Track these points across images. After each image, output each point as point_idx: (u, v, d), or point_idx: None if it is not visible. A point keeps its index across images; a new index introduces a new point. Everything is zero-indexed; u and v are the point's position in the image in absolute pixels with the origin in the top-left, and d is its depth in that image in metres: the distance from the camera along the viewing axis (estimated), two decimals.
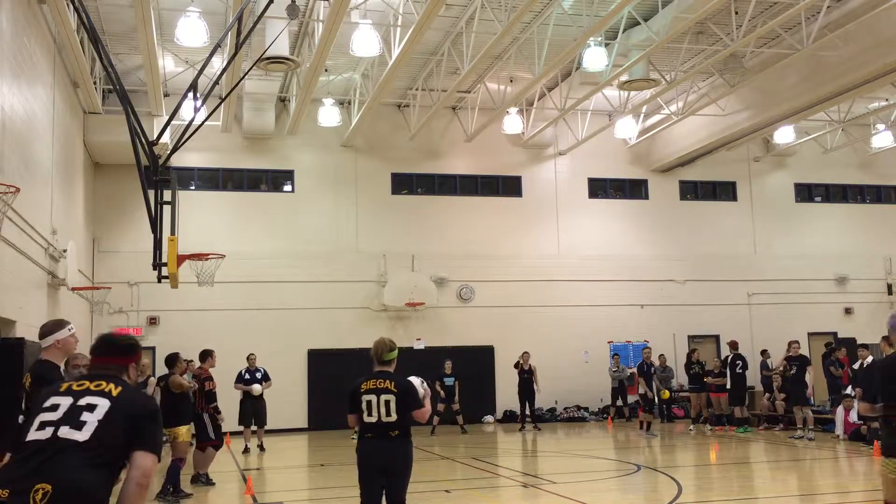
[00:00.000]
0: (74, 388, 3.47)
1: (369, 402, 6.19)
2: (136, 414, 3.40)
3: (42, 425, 3.34)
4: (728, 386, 18.54)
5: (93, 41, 11.83)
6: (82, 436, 3.27)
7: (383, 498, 6.26)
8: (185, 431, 10.91)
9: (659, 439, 17.54)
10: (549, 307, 23.20)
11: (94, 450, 3.25)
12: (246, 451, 16.47)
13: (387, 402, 6.15)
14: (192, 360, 16.49)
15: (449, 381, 19.91)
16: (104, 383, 3.47)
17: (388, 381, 6.24)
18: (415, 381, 6.42)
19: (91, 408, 3.35)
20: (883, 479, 5.73)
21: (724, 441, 17.07)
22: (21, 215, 11.86)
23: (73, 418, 3.32)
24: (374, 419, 6.18)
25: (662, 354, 22.43)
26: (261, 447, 16.57)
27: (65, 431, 3.28)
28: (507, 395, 22.40)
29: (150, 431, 3.41)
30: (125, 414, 3.38)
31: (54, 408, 3.39)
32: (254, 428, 16.63)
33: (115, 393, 3.43)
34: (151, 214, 11.49)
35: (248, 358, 17.05)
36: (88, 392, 3.42)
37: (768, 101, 20.25)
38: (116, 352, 3.68)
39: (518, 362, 20.62)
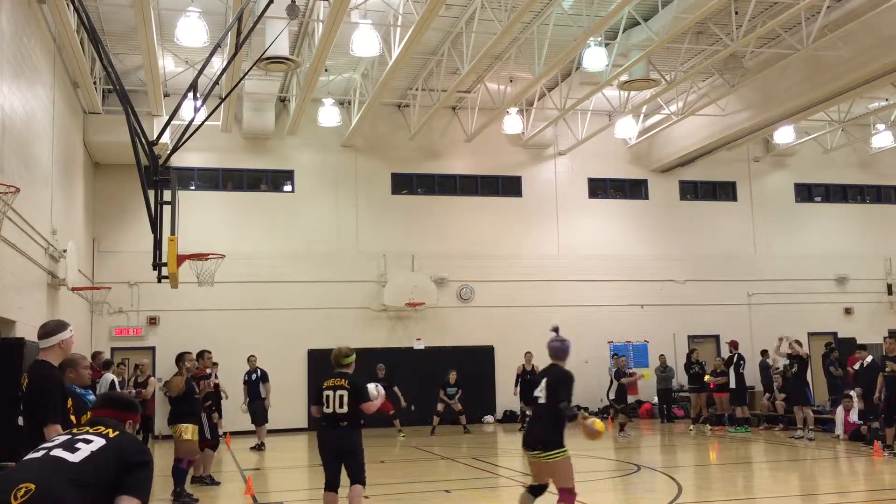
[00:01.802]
0: (74, 431, 3.62)
1: (328, 397, 7.69)
2: (128, 459, 3.45)
3: (37, 450, 3.47)
4: (732, 385, 18.55)
5: (93, 41, 11.82)
6: (74, 457, 3.34)
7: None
8: (189, 430, 10.89)
9: (632, 439, 17.51)
10: (549, 307, 23.15)
11: (83, 473, 3.29)
12: (255, 448, 16.70)
13: (340, 397, 7.63)
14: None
15: (451, 390, 19.88)
16: (102, 428, 3.58)
17: (343, 381, 7.74)
18: (370, 387, 7.86)
19: (87, 441, 3.45)
20: (531, 466, 7.08)
21: (724, 441, 17.08)
22: (21, 215, 11.86)
23: (68, 445, 3.42)
24: (330, 410, 7.66)
25: (662, 354, 22.47)
26: (262, 445, 16.69)
27: (57, 452, 3.37)
28: (507, 395, 22.38)
29: (139, 478, 3.44)
30: (119, 456, 3.43)
31: (52, 440, 3.54)
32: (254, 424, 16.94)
33: (112, 435, 3.53)
34: (151, 214, 11.48)
35: (248, 359, 17.23)
36: (87, 433, 3.54)
37: (768, 101, 20.25)
38: (116, 406, 3.85)
39: (521, 365, 20.55)
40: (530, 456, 6.93)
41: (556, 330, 7.26)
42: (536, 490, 7.02)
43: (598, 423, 6.85)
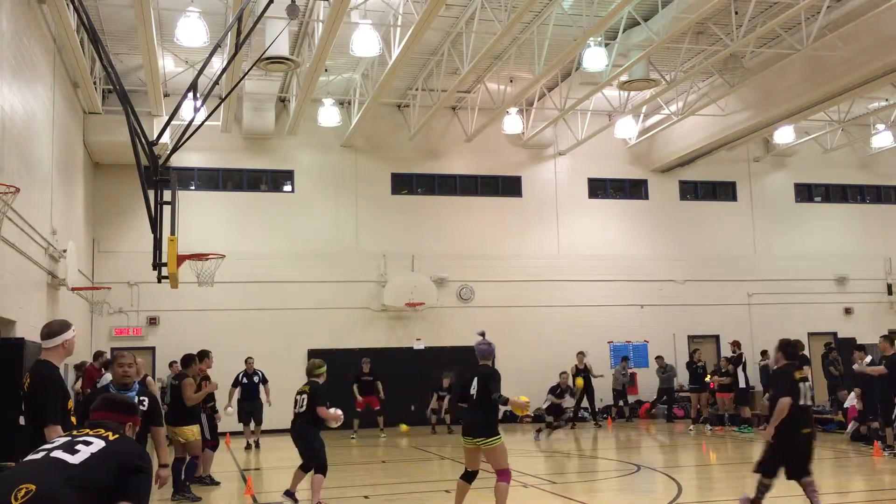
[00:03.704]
0: (74, 433, 3.64)
1: (296, 399, 9.73)
2: (127, 463, 3.47)
3: (37, 451, 3.50)
4: (742, 385, 18.54)
5: (93, 41, 11.82)
6: (73, 459, 3.36)
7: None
8: (194, 431, 10.91)
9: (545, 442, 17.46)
10: (549, 307, 23.19)
11: (82, 475, 3.31)
12: (248, 447, 16.84)
13: (303, 399, 9.59)
14: (175, 362, 16.68)
15: (444, 394, 19.96)
16: (102, 431, 3.61)
17: (307, 386, 9.68)
18: (331, 411, 9.57)
19: (87, 443, 3.48)
20: (464, 452, 8.29)
21: (723, 441, 17.08)
22: (21, 215, 11.85)
23: (68, 447, 3.45)
24: (296, 410, 9.68)
25: (660, 356, 22.45)
26: (257, 444, 16.80)
27: (57, 453, 3.40)
28: (506, 395, 22.34)
29: (137, 483, 3.46)
30: (117, 459, 3.45)
31: (51, 442, 3.57)
32: (252, 426, 17.02)
33: (111, 438, 3.55)
34: (151, 214, 11.47)
35: (246, 361, 17.30)
36: (87, 435, 3.56)
37: (768, 101, 20.24)
38: (116, 408, 3.87)
39: (574, 366, 20.52)
40: (470, 443, 8.10)
41: (482, 334, 8.59)
42: (470, 476, 8.19)
43: (522, 398, 8.18)
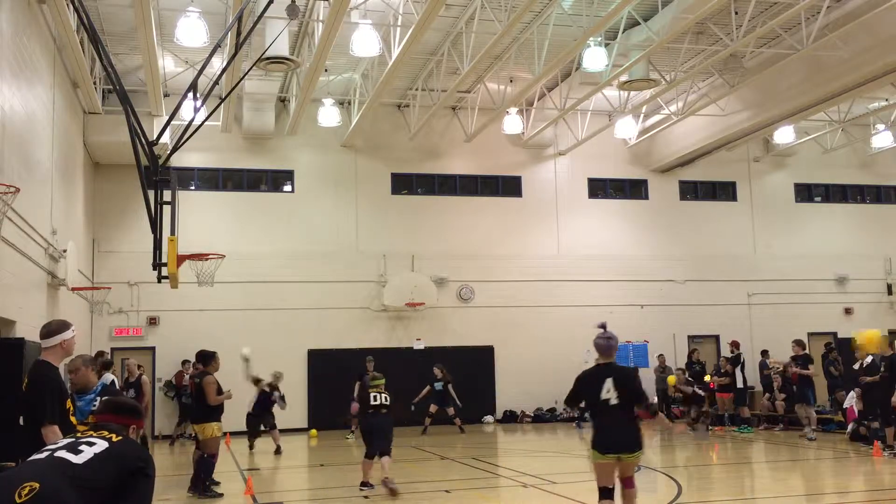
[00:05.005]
0: (78, 435, 3.68)
1: (373, 395, 11.02)
2: (129, 465, 3.50)
3: (41, 451, 3.55)
4: (740, 385, 18.56)
5: (93, 41, 11.82)
6: (77, 459, 3.40)
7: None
8: (213, 428, 10.93)
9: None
10: (548, 307, 23.18)
11: (85, 474, 3.34)
12: (251, 447, 16.82)
13: (379, 395, 11.00)
14: (189, 361, 16.75)
15: (438, 385, 19.92)
16: (106, 433, 3.65)
17: (376, 389, 11.18)
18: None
19: (90, 444, 3.52)
20: (593, 467, 6.94)
21: (723, 441, 17.08)
22: (21, 215, 11.85)
23: (71, 447, 3.49)
24: (377, 402, 10.96)
25: (661, 354, 22.45)
26: (277, 450, 16.13)
27: (61, 453, 3.44)
28: (507, 395, 22.40)
29: (139, 486, 3.50)
30: (120, 461, 3.49)
31: (55, 443, 3.61)
32: (262, 427, 17.00)
33: (115, 440, 3.60)
34: (151, 214, 11.47)
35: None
36: (90, 437, 3.61)
37: (768, 101, 20.24)
38: (119, 411, 3.91)
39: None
40: (612, 458, 6.79)
41: (603, 326, 7.16)
42: (611, 492, 6.89)
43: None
